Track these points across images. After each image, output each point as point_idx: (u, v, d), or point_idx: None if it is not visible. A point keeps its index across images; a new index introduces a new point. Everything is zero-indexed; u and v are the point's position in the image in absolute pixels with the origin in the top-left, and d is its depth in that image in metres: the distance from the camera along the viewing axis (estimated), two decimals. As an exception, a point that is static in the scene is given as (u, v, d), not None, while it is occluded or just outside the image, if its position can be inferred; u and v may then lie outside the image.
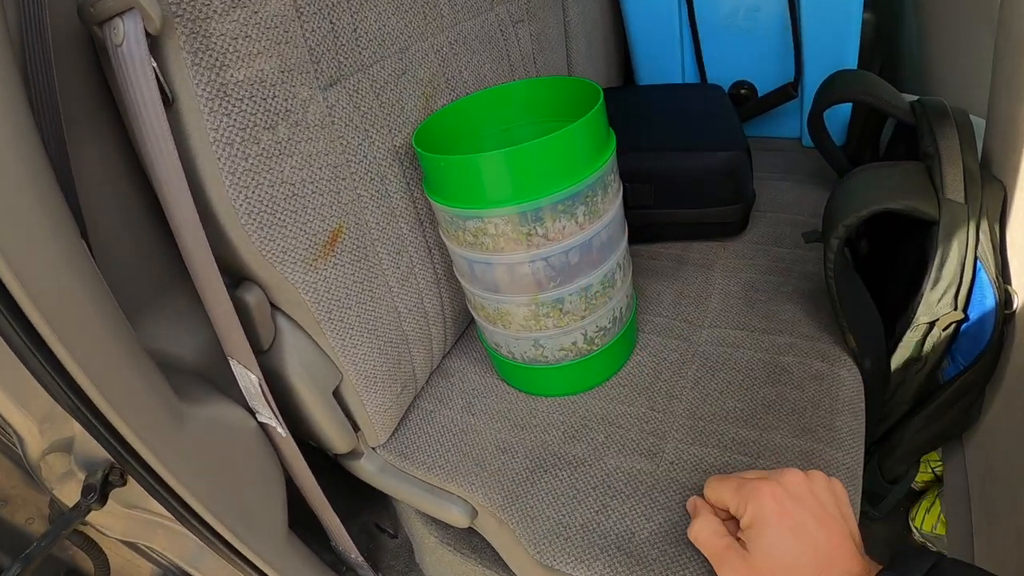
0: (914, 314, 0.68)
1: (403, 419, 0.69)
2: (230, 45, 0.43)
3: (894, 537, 0.91)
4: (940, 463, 0.88)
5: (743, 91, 1.01)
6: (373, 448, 0.67)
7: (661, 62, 1.03)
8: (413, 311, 0.64)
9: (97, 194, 0.48)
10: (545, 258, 0.54)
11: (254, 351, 0.56)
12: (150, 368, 0.46)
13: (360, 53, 0.54)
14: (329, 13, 0.51)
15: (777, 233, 0.85)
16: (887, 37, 1.03)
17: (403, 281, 0.62)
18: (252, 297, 0.52)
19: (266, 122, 0.46)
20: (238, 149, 0.44)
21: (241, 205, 0.46)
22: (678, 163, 0.77)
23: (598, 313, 0.62)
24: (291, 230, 0.49)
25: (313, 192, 0.50)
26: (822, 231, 0.67)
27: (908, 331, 0.69)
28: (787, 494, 0.41)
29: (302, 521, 0.68)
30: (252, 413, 0.57)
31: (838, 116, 0.98)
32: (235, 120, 0.44)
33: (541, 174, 0.50)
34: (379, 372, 0.61)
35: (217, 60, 0.42)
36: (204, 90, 0.42)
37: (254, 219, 0.46)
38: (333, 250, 0.53)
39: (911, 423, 0.77)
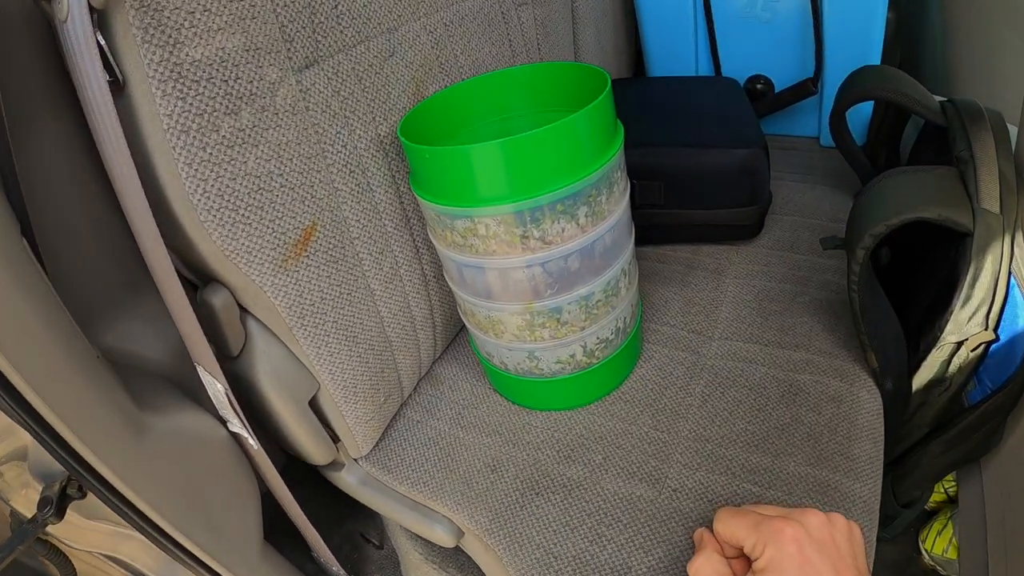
0: (941, 332, 0.62)
1: (388, 429, 0.64)
2: (186, 20, 0.38)
3: (903, 560, 0.87)
4: (954, 484, 0.83)
5: (759, 86, 0.95)
6: (355, 459, 0.63)
7: (674, 53, 0.97)
8: (398, 315, 0.59)
9: (58, 187, 0.44)
10: (542, 263, 0.49)
11: (223, 357, 0.52)
12: (104, 377, 0.42)
13: (341, 32, 0.49)
14: (305, -15, 0.45)
15: (793, 238, 0.80)
16: (908, 35, 0.96)
17: (387, 283, 0.57)
18: (218, 300, 0.47)
19: (227, 107, 0.40)
20: (195, 137, 0.39)
21: (199, 200, 0.40)
22: (691, 160, 0.71)
23: (599, 324, 0.56)
24: (256, 228, 0.44)
25: (282, 186, 0.45)
26: (846, 239, 0.62)
27: (933, 350, 0.64)
28: (809, 539, 0.37)
29: (282, 528, 0.64)
30: (223, 422, 0.53)
31: (859, 115, 0.92)
32: (191, 105, 0.39)
33: (539, 169, 0.45)
34: (360, 381, 0.57)
35: (171, 37, 0.37)
36: (156, 71, 0.37)
37: (214, 215, 0.41)
38: (305, 250, 0.48)
39: (930, 447, 0.72)
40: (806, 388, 0.62)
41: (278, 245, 0.45)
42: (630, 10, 1.01)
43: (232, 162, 0.41)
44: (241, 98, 0.41)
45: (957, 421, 0.68)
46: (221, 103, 0.40)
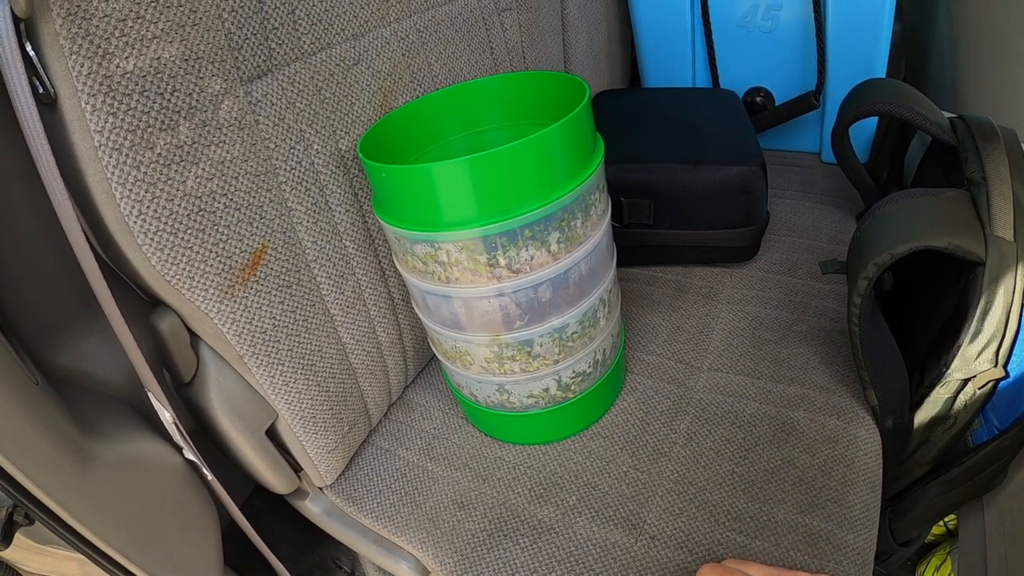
0: (947, 368, 0.58)
1: (355, 456, 0.61)
2: (117, 29, 0.34)
3: (901, 595, 0.82)
4: (954, 518, 0.79)
5: (759, 99, 0.91)
6: (320, 488, 0.59)
7: (670, 63, 0.93)
8: (362, 341, 0.56)
9: (4, 194, 0.41)
10: (509, 293, 0.46)
11: (175, 382, 0.49)
12: (43, 405, 0.39)
13: (299, 39, 0.45)
14: (257, -11, 0.42)
15: (791, 260, 0.76)
16: (913, 46, 0.92)
17: (348, 308, 0.53)
18: (166, 324, 0.44)
19: (163, 122, 0.37)
20: (127, 155, 0.36)
21: (135, 222, 0.37)
22: (684, 177, 0.68)
23: (576, 357, 0.53)
24: (199, 251, 0.40)
25: (226, 206, 0.41)
26: (847, 267, 0.58)
27: (938, 386, 0.60)
28: None
29: (250, 555, 0.61)
30: (179, 449, 0.50)
31: (862, 131, 0.88)
32: (123, 120, 0.35)
33: (505, 190, 0.41)
34: (319, 411, 0.53)
35: (100, 47, 0.34)
36: (85, 84, 0.34)
37: (151, 238, 0.38)
38: (254, 274, 0.44)
39: (930, 487, 0.67)
40: (800, 427, 0.58)
41: (223, 270, 0.42)
42: (625, 17, 0.97)
43: (169, 181, 0.38)
44: (179, 112, 0.38)
45: (960, 461, 0.63)
46: (156, 118, 0.37)
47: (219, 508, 0.54)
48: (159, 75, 0.37)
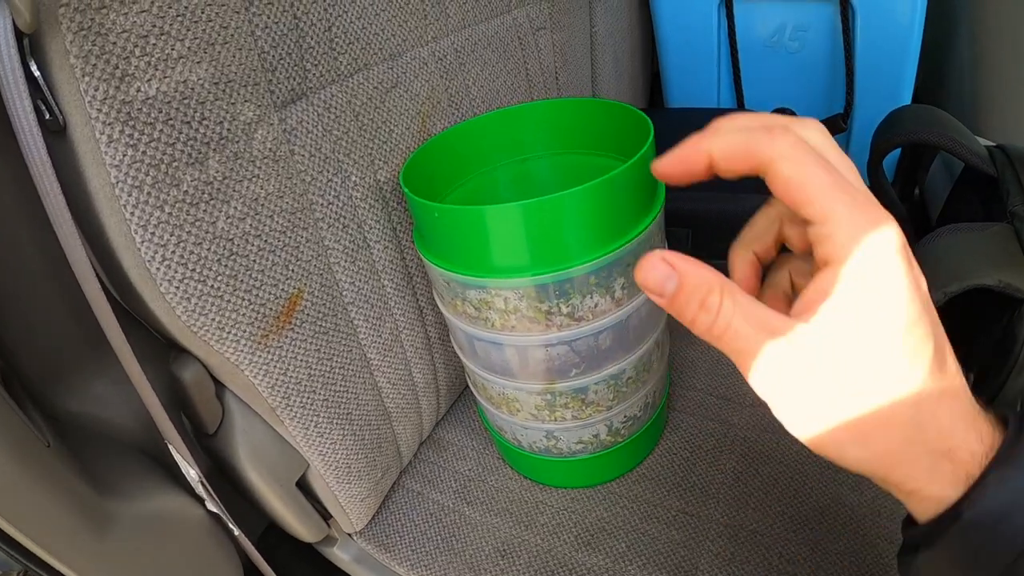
0: (991, 401, 0.56)
1: (385, 499, 0.56)
2: (138, 46, 0.30)
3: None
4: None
5: (784, 119, 0.89)
6: (349, 534, 0.55)
7: (695, 82, 0.91)
8: (398, 384, 0.51)
9: (10, 229, 0.37)
10: (569, 342, 0.41)
11: (199, 433, 0.44)
12: (56, 469, 0.34)
13: (335, 59, 0.41)
14: (293, 3, 0.37)
15: (827, 290, 0.73)
16: (931, 68, 0.91)
17: (386, 352, 0.48)
18: (189, 374, 0.39)
19: (191, 155, 0.32)
20: (150, 194, 0.31)
21: (159, 269, 0.32)
22: (721, 205, 0.64)
23: (628, 402, 0.49)
24: (230, 300, 0.35)
25: (260, 249, 0.36)
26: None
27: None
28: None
29: None
30: (201, 500, 0.45)
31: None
32: (145, 153, 0.31)
33: (570, 236, 0.37)
34: (354, 461, 0.48)
35: (118, 68, 0.29)
36: (101, 111, 0.29)
37: (177, 287, 0.33)
38: (290, 321, 0.39)
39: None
40: (850, 466, 0.55)
41: (257, 318, 0.37)
42: (648, 35, 0.94)
43: (198, 223, 0.33)
44: (208, 144, 0.33)
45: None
46: (183, 151, 0.32)
47: (241, 555, 0.50)
48: (186, 101, 0.32)
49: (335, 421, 0.45)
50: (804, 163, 0.20)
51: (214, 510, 0.46)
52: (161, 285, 0.33)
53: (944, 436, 0.21)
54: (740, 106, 0.90)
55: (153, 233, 0.32)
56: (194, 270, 0.33)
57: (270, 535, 0.65)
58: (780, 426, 0.67)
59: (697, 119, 0.80)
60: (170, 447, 0.42)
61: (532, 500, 0.55)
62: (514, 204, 0.35)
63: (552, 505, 0.54)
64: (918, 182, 0.87)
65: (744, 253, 0.26)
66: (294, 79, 0.38)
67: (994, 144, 0.61)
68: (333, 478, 0.48)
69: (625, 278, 0.41)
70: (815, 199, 0.20)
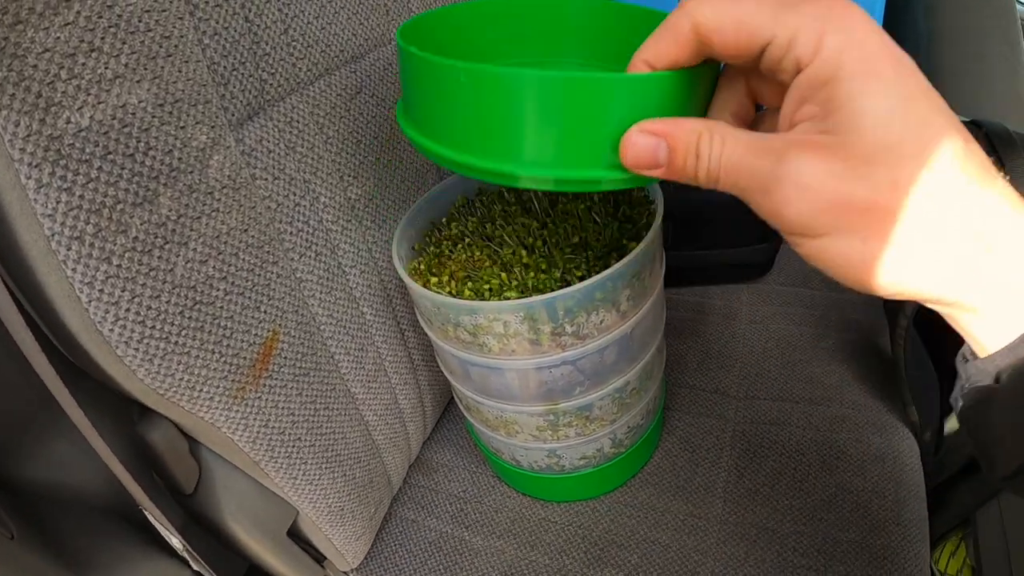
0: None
1: (380, 531, 0.53)
2: (64, 68, 0.25)
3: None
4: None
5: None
6: (345, 572, 0.51)
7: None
8: (385, 415, 0.47)
9: None
10: (573, 361, 0.39)
11: (174, 492, 0.39)
12: (25, 559, 0.31)
13: (295, 65, 0.36)
14: (244, 4, 0.32)
15: (804, 271, 0.73)
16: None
17: (370, 383, 0.45)
18: (158, 435, 0.35)
19: (137, 194, 0.27)
20: (94, 245, 0.26)
21: (112, 330, 0.27)
22: (704, 196, 0.62)
23: (631, 413, 0.47)
24: (199, 355, 0.31)
25: (228, 292, 0.32)
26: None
27: (973, 395, 0.59)
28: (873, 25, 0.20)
29: None
30: (185, 561, 0.41)
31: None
32: (83, 197, 0.26)
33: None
34: (347, 502, 0.45)
35: (42, 97, 0.24)
36: (25, 151, 0.24)
37: (136, 348, 0.28)
38: (267, 368, 0.35)
39: (957, 489, 0.67)
40: (846, 449, 0.55)
41: (231, 371, 0.33)
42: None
43: (153, 272, 0.28)
44: (157, 178, 0.28)
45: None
46: (128, 189, 0.27)
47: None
48: (126, 129, 0.27)
49: (324, 465, 0.41)
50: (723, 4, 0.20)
51: (199, 570, 0.42)
52: (117, 348, 0.28)
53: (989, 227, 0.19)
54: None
55: (101, 290, 0.27)
56: (153, 327, 0.28)
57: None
58: (778, 417, 0.66)
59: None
60: (146, 513, 0.37)
61: (534, 518, 0.53)
62: (558, 75, 0.23)
63: (556, 521, 0.52)
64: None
65: (720, 117, 0.25)
66: (250, 92, 0.33)
67: (967, 119, 0.62)
68: (326, 522, 0.44)
69: (631, 289, 0.38)
70: (757, 23, 0.20)
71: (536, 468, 0.49)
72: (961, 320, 0.22)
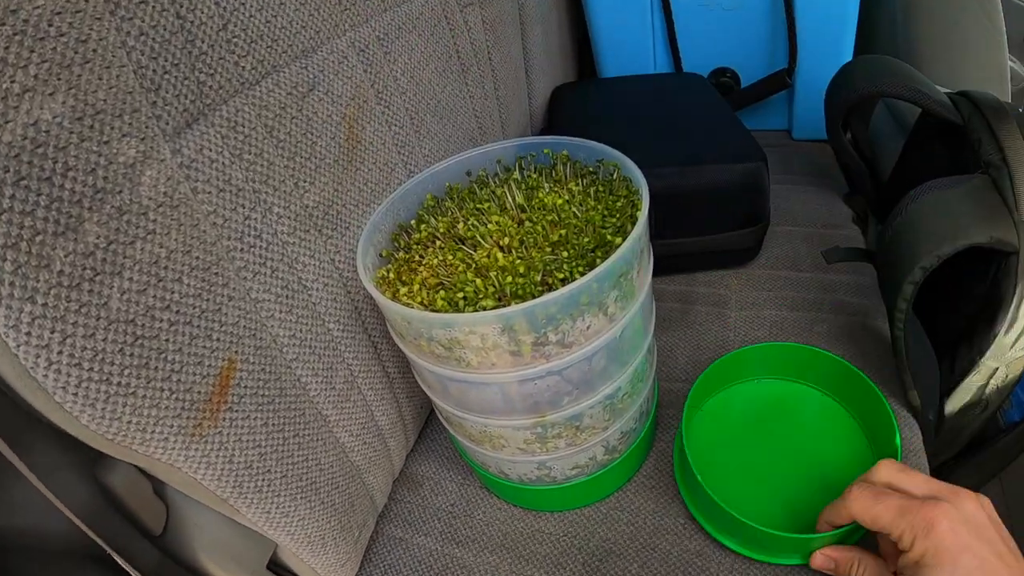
0: (980, 356, 0.56)
1: (367, 552, 0.50)
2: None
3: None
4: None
5: (724, 79, 0.85)
6: None
7: (629, 48, 0.86)
8: (362, 434, 0.45)
9: None
10: (560, 371, 0.36)
11: (143, 534, 0.37)
12: None
13: (237, 64, 0.33)
14: None
15: (792, 253, 0.71)
16: (862, 19, 0.90)
17: (343, 403, 0.42)
18: (117, 479, 0.32)
19: (59, 222, 0.24)
20: (14, 284, 0.23)
21: (46, 376, 0.24)
22: (686, 180, 0.60)
23: (624, 418, 0.44)
24: (145, 395, 0.28)
25: (172, 323, 0.29)
26: (885, 269, 0.53)
27: (971, 374, 0.57)
28: (966, 525, 0.34)
29: None
30: None
31: (813, 103, 0.84)
32: (-9, 227, 0.22)
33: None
34: (327, 530, 0.42)
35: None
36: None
37: (75, 393, 0.25)
38: (225, 400, 0.32)
39: (959, 469, 0.66)
40: (847, 436, 0.54)
41: (184, 408, 0.30)
42: (574, 4, 0.88)
43: (84, 308, 0.25)
44: (80, 203, 0.25)
45: (993, 442, 0.63)
46: (46, 218, 0.24)
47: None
48: (40, 150, 0.24)
49: (299, 496, 0.38)
50: (869, 505, 0.37)
51: None
52: (55, 394, 0.25)
53: None
54: (678, 69, 0.86)
55: (28, 333, 0.24)
56: (91, 368, 0.25)
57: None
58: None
59: (639, 87, 0.75)
60: (116, 558, 0.34)
61: (527, 530, 0.50)
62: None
63: (550, 533, 0.50)
64: (855, 134, 0.87)
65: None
66: (186, 96, 0.30)
67: (954, 91, 0.60)
68: (307, 553, 0.41)
69: (619, 290, 0.36)
70: (884, 523, 0.36)
71: (526, 480, 0.47)
72: None
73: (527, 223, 0.41)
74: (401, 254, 0.42)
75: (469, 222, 0.42)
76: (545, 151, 0.47)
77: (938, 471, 0.68)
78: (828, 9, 0.76)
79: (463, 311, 0.35)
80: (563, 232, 0.39)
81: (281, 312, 0.35)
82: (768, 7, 0.78)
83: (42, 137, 0.24)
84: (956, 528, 0.33)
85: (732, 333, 0.63)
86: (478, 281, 0.36)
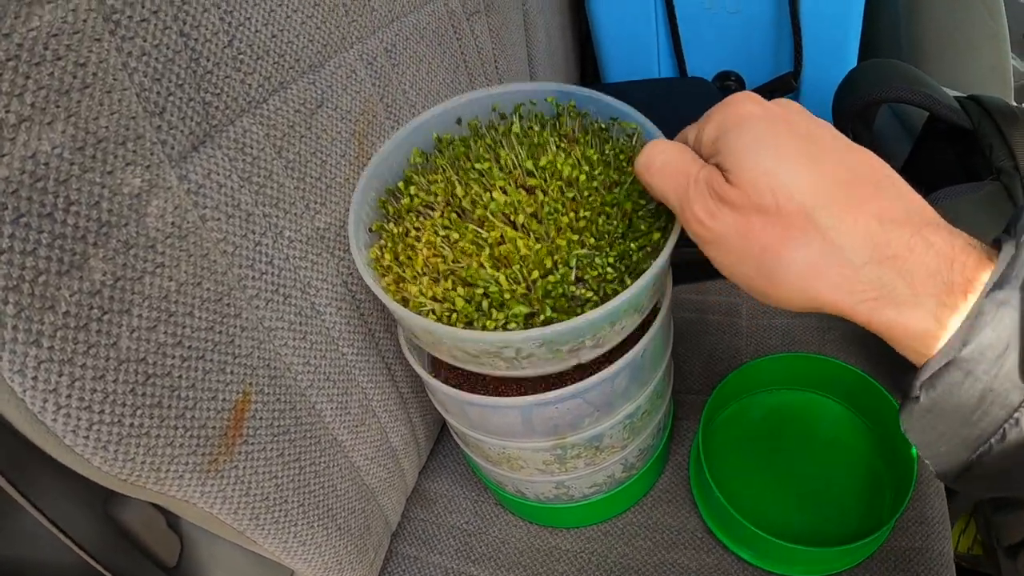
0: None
1: (382, 572, 0.50)
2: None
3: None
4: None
5: (729, 83, 0.85)
6: None
7: (633, 54, 0.84)
8: (377, 457, 0.44)
9: None
10: (582, 394, 0.35)
11: (158, 566, 0.35)
12: None
13: (243, 82, 0.32)
14: (177, 16, 0.28)
15: (801, 260, 0.70)
16: (865, 20, 0.90)
17: (358, 427, 0.41)
18: (130, 516, 0.31)
19: (63, 260, 0.23)
20: (17, 328, 0.22)
21: (56, 420, 0.23)
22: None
23: (643, 435, 0.43)
24: (159, 434, 0.26)
25: (184, 359, 0.27)
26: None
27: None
28: (761, 103, 0.28)
29: None
30: None
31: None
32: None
33: None
34: (344, 555, 0.41)
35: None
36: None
37: (86, 437, 0.24)
38: (240, 434, 0.31)
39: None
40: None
41: (199, 445, 0.28)
42: (575, 5, 0.87)
43: (93, 349, 0.24)
44: (84, 239, 0.23)
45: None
46: (50, 256, 0.22)
47: None
48: (39, 184, 0.22)
49: (316, 523, 0.37)
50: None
51: None
52: (65, 438, 0.23)
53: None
54: (682, 74, 0.85)
55: (35, 378, 0.22)
56: (102, 411, 0.24)
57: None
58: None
59: (646, 92, 0.74)
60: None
61: (544, 547, 0.50)
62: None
63: (567, 550, 0.49)
64: (858, 137, 0.86)
65: None
66: (192, 118, 0.29)
67: (963, 95, 0.59)
68: (322, 577, 0.40)
69: (654, 287, 0.34)
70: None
71: (543, 499, 0.46)
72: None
73: (539, 193, 0.35)
74: (392, 226, 0.36)
75: (472, 190, 0.35)
76: (548, 99, 0.40)
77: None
78: (832, 11, 0.75)
79: (487, 312, 0.31)
80: (587, 214, 0.33)
81: (295, 339, 0.34)
82: (772, 10, 0.78)
83: (41, 170, 0.22)
84: (753, 98, 0.28)
85: (744, 342, 0.62)
86: (501, 277, 0.31)
